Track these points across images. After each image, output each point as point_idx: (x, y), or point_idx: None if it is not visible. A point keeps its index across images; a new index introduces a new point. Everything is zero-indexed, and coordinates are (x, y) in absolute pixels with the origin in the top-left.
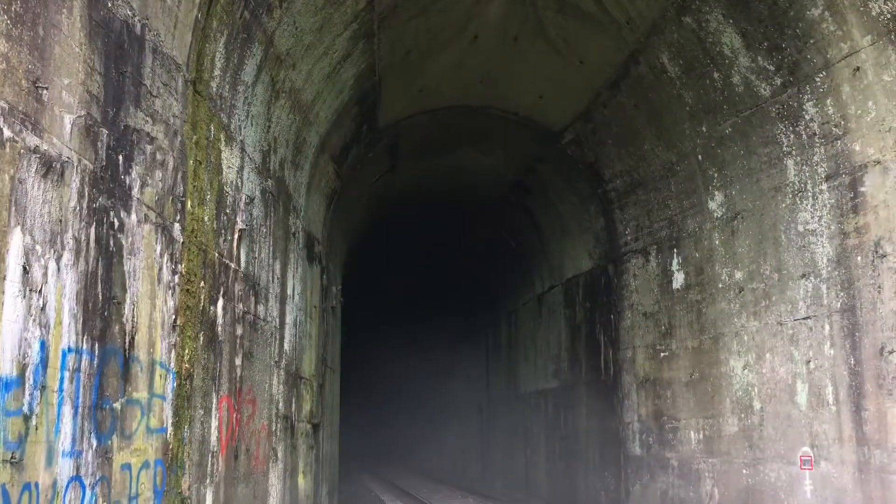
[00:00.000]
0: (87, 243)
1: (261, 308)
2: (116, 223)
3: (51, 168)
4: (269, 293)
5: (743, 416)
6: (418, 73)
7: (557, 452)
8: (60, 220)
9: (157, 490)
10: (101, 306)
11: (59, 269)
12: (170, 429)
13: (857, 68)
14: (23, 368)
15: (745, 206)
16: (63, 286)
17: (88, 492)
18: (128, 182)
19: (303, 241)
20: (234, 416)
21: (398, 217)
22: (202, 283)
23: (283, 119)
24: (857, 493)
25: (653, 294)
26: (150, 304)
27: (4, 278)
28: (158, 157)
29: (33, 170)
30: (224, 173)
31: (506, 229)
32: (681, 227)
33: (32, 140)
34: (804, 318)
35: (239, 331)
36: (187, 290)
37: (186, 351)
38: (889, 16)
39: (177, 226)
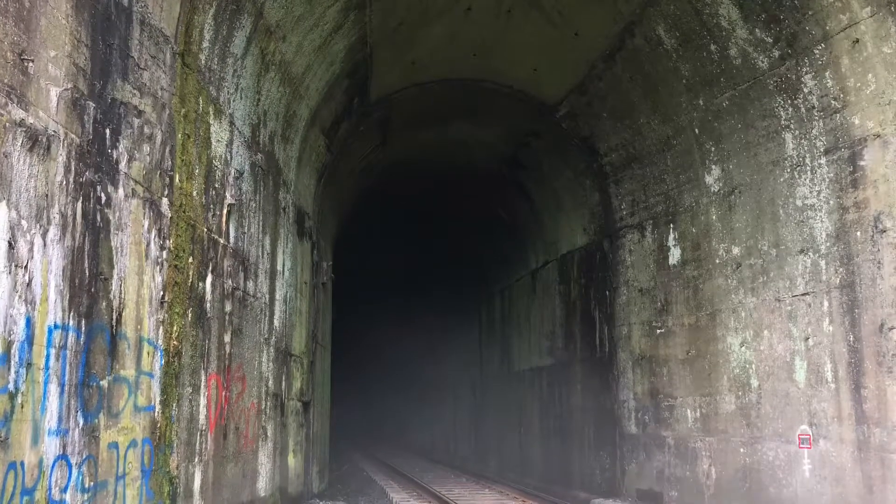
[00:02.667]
0: (74, 218)
1: (250, 284)
2: (103, 198)
3: (37, 142)
4: (258, 269)
5: (740, 393)
6: (411, 46)
7: (552, 431)
8: (46, 195)
9: (144, 469)
10: (88, 282)
11: (45, 245)
12: (158, 407)
13: (857, 40)
14: (8, 345)
15: (742, 180)
16: (49, 262)
17: (75, 471)
18: (115, 156)
19: (293, 216)
20: (223, 394)
21: (390, 192)
22: (190, 259)
23: (273, 92)
24: (856, 471)
25: (649, 270)
26: (138, 280)
27: None
28: (146, 130)
29: (19, 143)
30: (213, 147)
31: (500, 204)
32: (677, 202)
33: (18, 113)
34: (803, 295)
35: (228, 307)
36: (175, 265)
37: (174, 328)
38: None
39: (165, 200)
